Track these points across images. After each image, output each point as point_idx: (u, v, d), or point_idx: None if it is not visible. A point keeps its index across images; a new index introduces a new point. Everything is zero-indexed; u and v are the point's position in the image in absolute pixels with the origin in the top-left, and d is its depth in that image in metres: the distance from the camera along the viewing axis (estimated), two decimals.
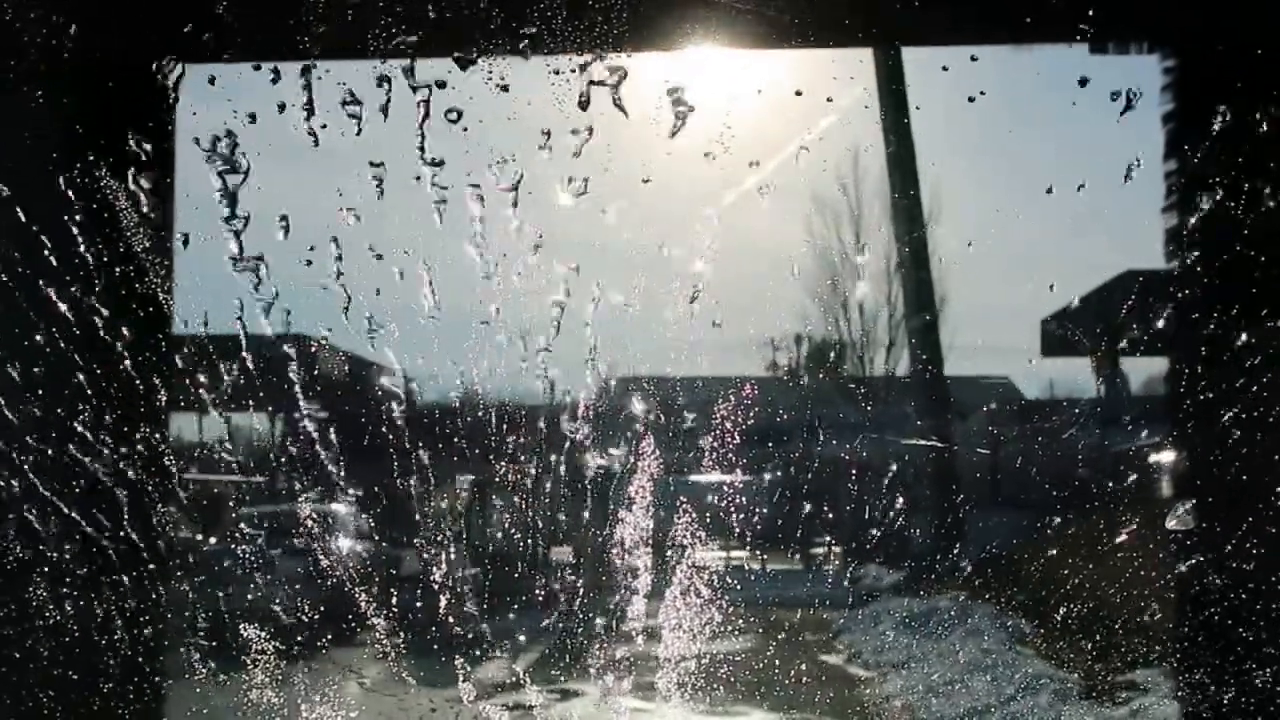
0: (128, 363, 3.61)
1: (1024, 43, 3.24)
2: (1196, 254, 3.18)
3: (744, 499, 10.68)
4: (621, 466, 9.34)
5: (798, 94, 3.91)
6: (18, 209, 3.29)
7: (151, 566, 4.38)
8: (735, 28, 3.23)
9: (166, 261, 3.47)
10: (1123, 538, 8.52)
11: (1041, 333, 21.85)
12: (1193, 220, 3.16)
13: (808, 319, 27.66)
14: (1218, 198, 3.14)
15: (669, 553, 9.05)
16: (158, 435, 3.89)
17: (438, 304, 4.96)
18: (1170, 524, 6.41)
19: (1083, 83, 3.46)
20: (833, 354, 26.95)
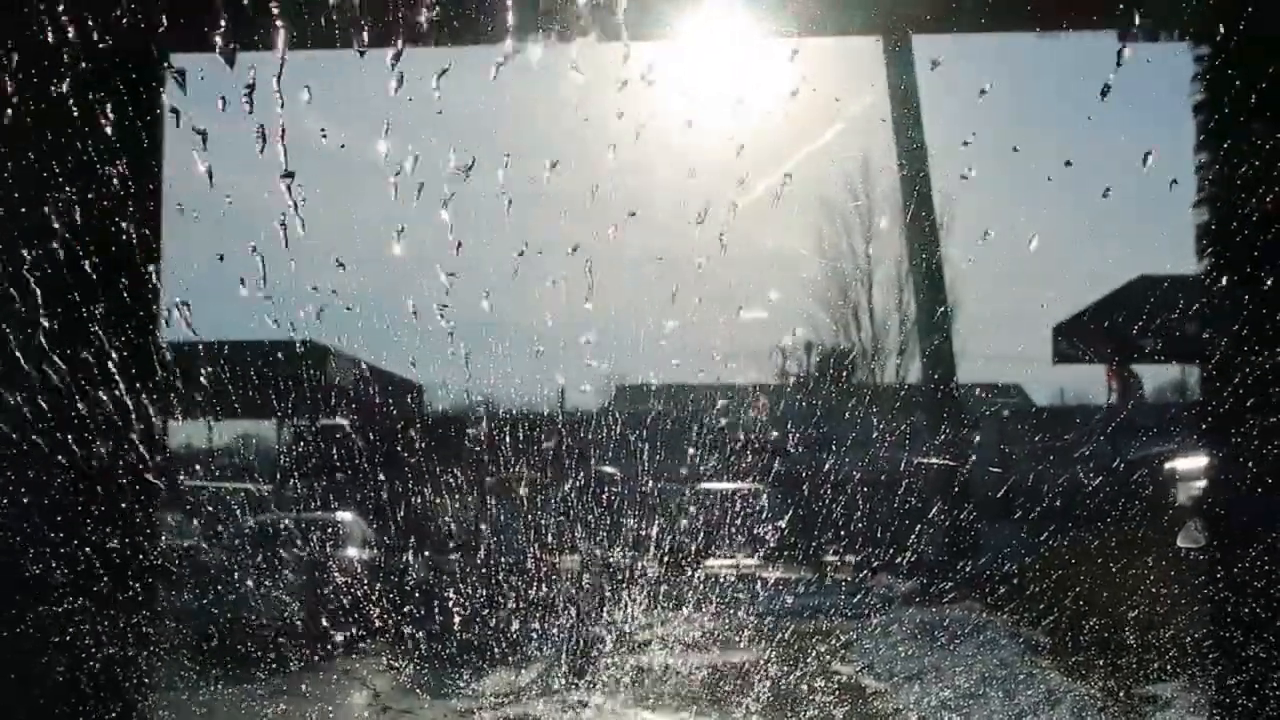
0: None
1: (1050, 30, 3.12)
2: (1223, 254, 3.05)
3: (749, 509, 10.56)
4: (625, 476, 9.25)
5: (814, 89, 3.81)
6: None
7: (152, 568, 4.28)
8: (747, 15, 3.12)
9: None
10: (1140, 548, 8.39)
11: (1053, 340, 21.65)
12: (1223, 218, 3.03)
13: (818, 326, 27.53)
14: (1247, 195, 3.01)
15: (674, 562, 8.95)
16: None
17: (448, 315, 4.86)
18: (1181, 541, 6.27)
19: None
20: (845, 362, 26.82)
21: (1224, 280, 3.02)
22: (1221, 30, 2.76)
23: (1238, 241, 2.95)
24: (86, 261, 3.09)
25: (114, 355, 3.19)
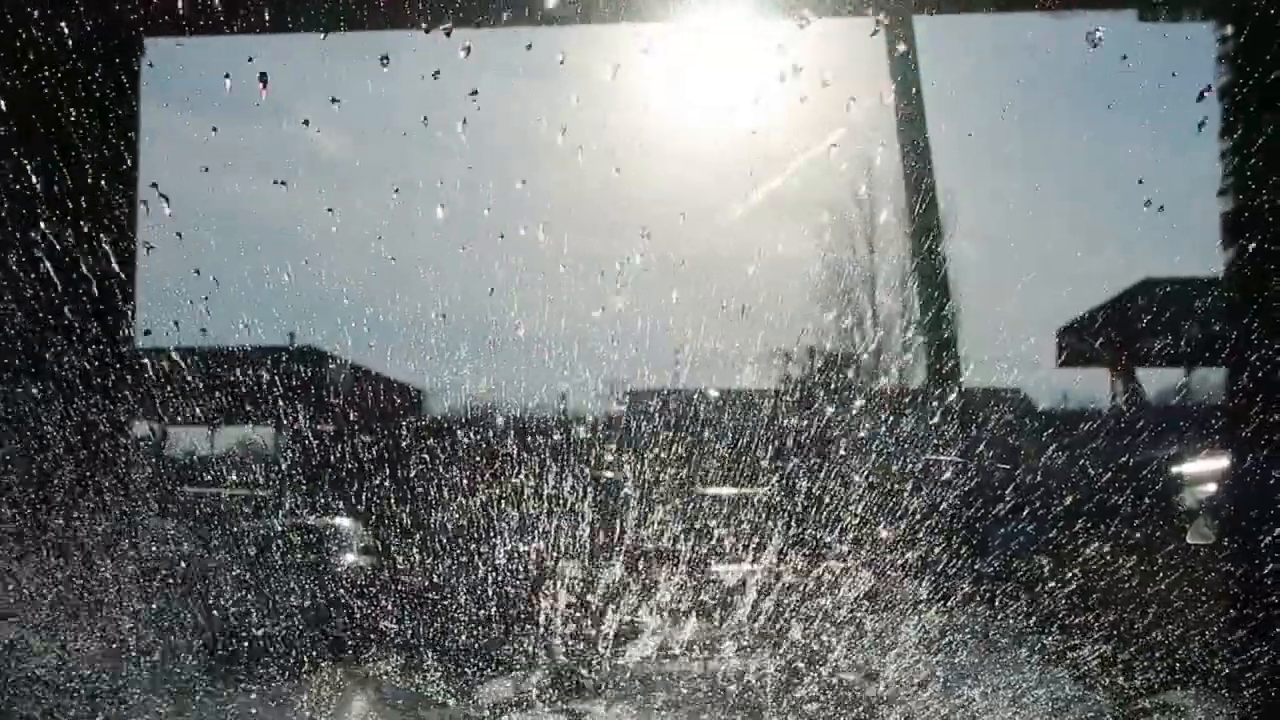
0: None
1: (1066, 10, 3.00)
2: (1251, 243, 2.95)
3: (752, 513, 10.50)
4: (627, 481, 9.18)
5: (823, 83, 3.70)
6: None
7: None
8: (746, 5, 3.02)
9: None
10: (1149, 549, 8.31)
11: (1057, 343, 21.53)
12: (1251, 206, 2.92)
13: (821, 329, 27.47)
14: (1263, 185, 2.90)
15: (675, 567, 8.88)
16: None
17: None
18: (1191, 538, 6.17)
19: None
20: (849, 365, 26.74)
21: (1249, 270, 2.91)
22: (1250, 7, 2.64)
23: (1268, 226, 2.85)
24: (59, 265, 3.00)
25: (88, 360, 3.09)
